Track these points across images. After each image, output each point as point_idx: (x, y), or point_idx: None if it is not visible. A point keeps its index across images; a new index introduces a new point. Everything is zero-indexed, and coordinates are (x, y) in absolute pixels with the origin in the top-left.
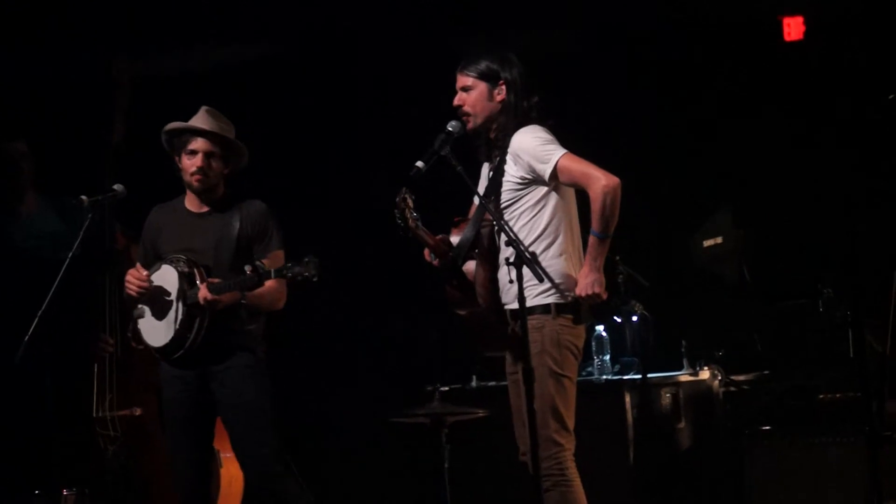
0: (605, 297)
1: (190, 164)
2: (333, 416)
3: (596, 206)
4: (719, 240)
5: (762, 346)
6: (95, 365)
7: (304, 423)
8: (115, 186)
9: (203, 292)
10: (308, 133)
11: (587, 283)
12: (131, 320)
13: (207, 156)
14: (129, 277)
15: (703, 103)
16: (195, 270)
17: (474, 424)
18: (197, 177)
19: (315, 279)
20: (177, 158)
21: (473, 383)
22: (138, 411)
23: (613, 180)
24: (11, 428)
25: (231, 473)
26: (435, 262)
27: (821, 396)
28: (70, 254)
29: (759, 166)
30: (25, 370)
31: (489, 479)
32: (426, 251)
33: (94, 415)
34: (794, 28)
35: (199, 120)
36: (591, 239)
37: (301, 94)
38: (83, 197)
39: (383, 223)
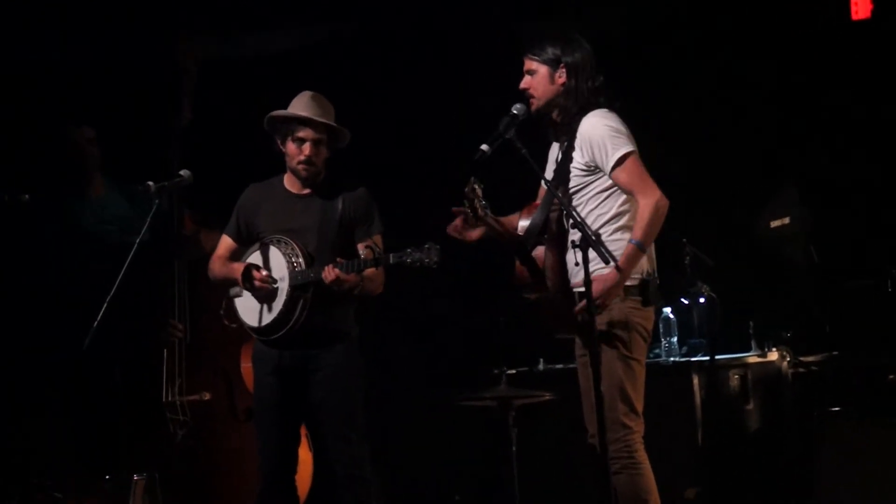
0: (607, 305)
1: (297, 151)
2: (401, 398)
3: (645, 215)
4: (786, 220)
5: (831, 326)
6: (165, 350)
7: (372, 404)
8: (182, 172)
9: (330, 272)
10: (376, 116)
11: (605, 288)
12: (226, 298)
13: (315, 144)
14: (252, 273)
15: (770, 82)
16: (300, 251)
17: (541, 407)
18: (304, 165)
19: (434, 266)
20: (279, 142)
21: (540, 366)
22: (207, 396)
23: (665, 200)
24: (82, 413)
25: (300, 457)
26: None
27: (891, 377)
28: (138, 239)
29: (827, 145)
30: (95, 356)
31: (556, 462)
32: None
33: (164, 399)
34: (861, 7)
35: (305, 107)
36: (630, 247)
37: (366, 77)
38: (150, 183)
39: (451, 207)
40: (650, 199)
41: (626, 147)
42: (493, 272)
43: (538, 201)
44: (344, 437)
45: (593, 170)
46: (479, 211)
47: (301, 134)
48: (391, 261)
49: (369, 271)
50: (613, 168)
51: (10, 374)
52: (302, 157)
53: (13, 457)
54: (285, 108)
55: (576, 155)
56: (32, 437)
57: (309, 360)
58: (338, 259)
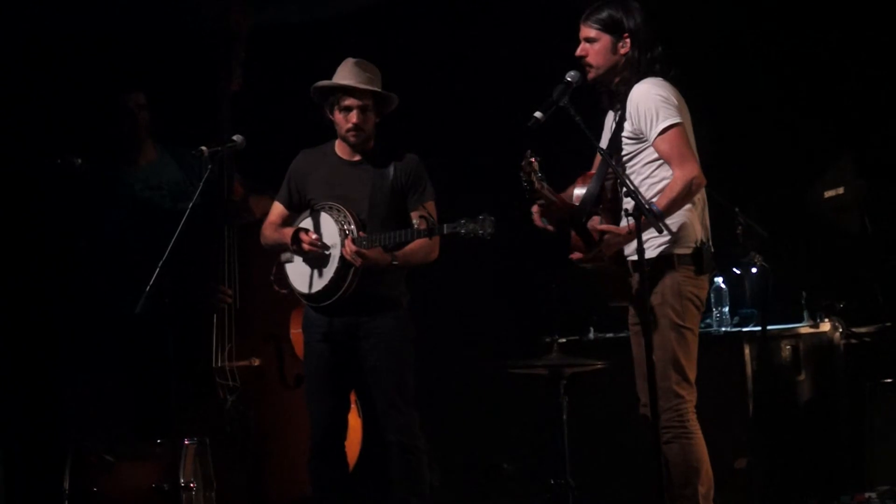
0: (606, 255)
1: (345, 120)
2: (452, 366)
3: (675, 188)
4: (840, 190)
5: (884, 297)
6: (214, 315)
7: (423, 372)
8: (234, 137)
9: (350, 247)
10: (428, 83)
11: (610, 242)
12: (277, 264)
13: (362, 110)
14: (301, 236)
15: (827, 50)
16: (352, 218)
17: (592, 376)
18: (353, 133)
19: (489, 238)
20: (327, 112)
21: (591, 335)
22: (257, 362)
23: (703, 179)
24: (133, 377)
25: (350, 423)
26: (548, 228)
27: None
28: (190, 204)
29: (883, 115)
30: (146, 321)
31: (607, 430)
32: (536, 217)
33: (214, 365)
34: None
35: (349, 75)
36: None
37: (417, 43)
38: (203, 148)
39: (504, 175)
40: (686, 174)
41: (672, 118)
42: (545, 239)
43: (593, 171)
44: (394, 405)
45: (641, 138)
46: (536, 184)
47: (346, 102)
48: (445, 231)
49: (415, 243)
50: (657, 137)
51: (63, 338)
52: (349, 125)
53: (65, 420)
54: (333, 75)
55: (626, 124)
56: (84, 400)
57: (359, 327)
58: (360, 233)
